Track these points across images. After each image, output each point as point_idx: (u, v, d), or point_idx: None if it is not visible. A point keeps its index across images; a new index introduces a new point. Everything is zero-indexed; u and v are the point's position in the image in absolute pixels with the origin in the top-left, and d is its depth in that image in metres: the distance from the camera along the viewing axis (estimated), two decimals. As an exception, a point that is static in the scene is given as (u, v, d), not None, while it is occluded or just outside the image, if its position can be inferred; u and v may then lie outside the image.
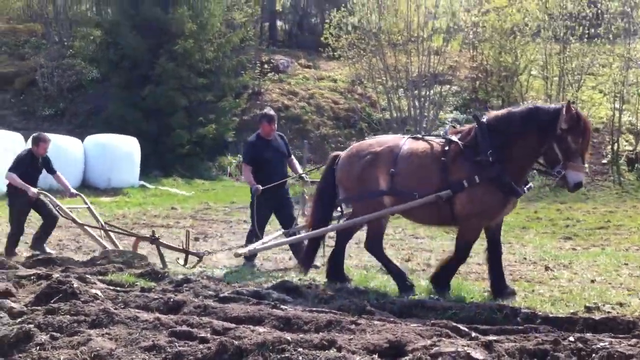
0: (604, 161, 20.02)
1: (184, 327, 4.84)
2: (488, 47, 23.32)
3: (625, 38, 22.53)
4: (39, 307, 5.34)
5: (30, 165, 8.89)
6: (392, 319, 5.39)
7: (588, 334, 4.76)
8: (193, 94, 21.09)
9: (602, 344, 4.43)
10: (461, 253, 6.51)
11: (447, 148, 6.33)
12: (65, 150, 16.36)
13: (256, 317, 5.25)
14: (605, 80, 22.19)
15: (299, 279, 6.98)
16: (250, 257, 7.97)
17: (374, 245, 6.86)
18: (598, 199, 16.75)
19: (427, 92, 21.71)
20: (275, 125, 8.58)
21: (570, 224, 12.05)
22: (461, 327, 5.00)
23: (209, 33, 22.01)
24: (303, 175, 8.63)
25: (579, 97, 20.97)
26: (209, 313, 5.40)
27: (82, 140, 17.63)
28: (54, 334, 4.63)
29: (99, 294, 5.80)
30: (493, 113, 6.50)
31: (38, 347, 4.38)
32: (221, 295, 6.09)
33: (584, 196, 16.89)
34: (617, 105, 21.24)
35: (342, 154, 7.04)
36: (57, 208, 8.66)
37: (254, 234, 7.95)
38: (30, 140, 9.24)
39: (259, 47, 27.58)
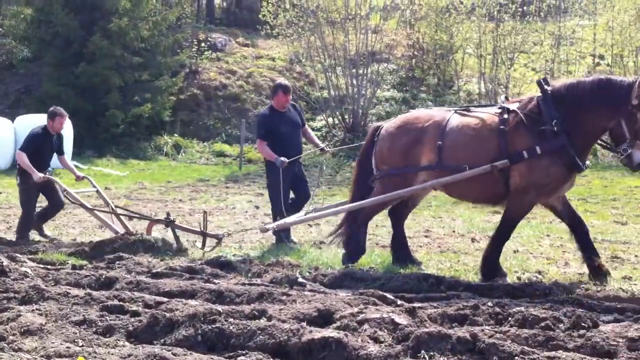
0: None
1: (115, 302, 4.89)
2: (424, 25, 23.65)
3: (556, 16, 23.23)
4: (-34, 286, 5.28)
5: (43, 142, 8.35)
6: (322, 290, 5.56)
7: (506, 300, 5.02)
8: (128, 72, 20.72)
9: (518, 308, 4.69)
10: (506, 231, 6.17)
11: (505, 117, 5.95)
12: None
13: (189, 291, 5.33)
14: (537, 58, 22.82)
15: (234, 255, 7.07)
16: (283, 233, 7.73)
17: (363, 217, 6.72)
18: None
19: (365, 71, 21.88)
20: (290, 95, 8.25)
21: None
22: (388, 295, 5.20)
23: (144, 11, 21.60)
24: (323, 146, 8.38)
25: (511, 74, 21.53)
26: (142, 288, 5.46)
27: (12, 121, 17.15)
28: (-18, 311, 4.61)
29: (29, 271, 5.77)
30: (559, 82, 6.16)
31: (-35, 325, 4.36)
32: (154, 271, 6.13)
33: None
34: (547, 83, 21.89)
35: (385, 125, 6.70)
36: (64, 192, 8.18)
37: (278, 211, 7.63)
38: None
39: (196, 25, 27.22)
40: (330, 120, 21.86)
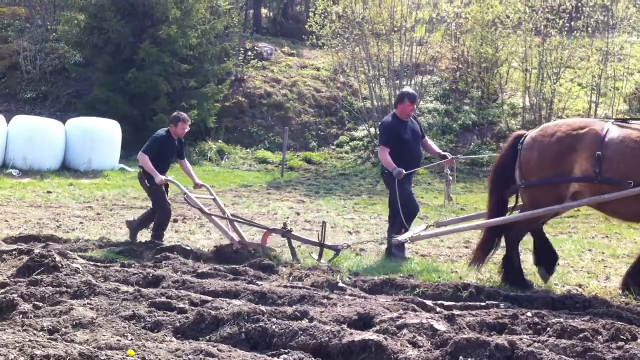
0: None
1: (163, 299, 5.07)
2: (469, 38, 23.58)
3: (604, 32, 22.93)
4: (22, 279, 5.52)
5: (166, 146, 8.41)
6: (362, 295, 5.66)
7: (545, 311, 5.05)
8: (176, 79, 21.14)
9: (556, 319, 4.72)
10: None
11: None
12: (47, 132, 16.54)
13: (232, 291, 5.49)
14: (583, 73, 22.57)
15: (274, 257, 7.21)
16: (395, 249, 7.50)
17: (517, 234, 6.33)
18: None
19: (409, 82, 21.94)
20: (416, 105, 8.03)
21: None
22: (427, 302, 5.28)
23: (193, 19, 22.02)
24: (446, 153, 7.93)
25: (556, 89, 21.34)
26: (187, 287, 5.63)
27: (64, 123, 17.68)
28: (37, 303, 4.83)
29: (80, 268, 6.00)
30: None
31: (21, 315, 4.57)
32: (199, 271, 6.31)
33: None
34: (594, 98, 21.63)
35: (530, 133, 6.29)
36: (185, 196, 8.09)
37: (398, 222, 7.41)
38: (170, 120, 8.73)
39: (243, 34, 27.64)
40: (372, 130, 21.96)
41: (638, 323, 4.87)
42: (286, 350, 4.15)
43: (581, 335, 4.36)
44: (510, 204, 6.50)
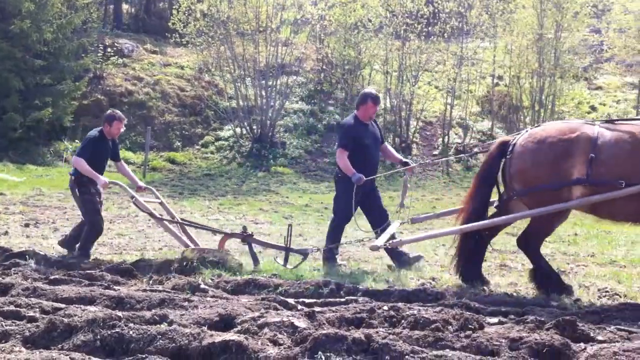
0: (435, 152, 21.49)
1: (12, 307, 4.77)
2: (333, 40, 24.13)
3: (459, 37, 24.27)
4: None
5: (99, 148, 7.66)
6: (224, 296, 5.62)
7: (400, 304, 5.26)
8: (29, 76, 20.03)
9: (411, 311, 4.93)
10: None
11: None
12: None
13: (87, 297, 5.26)
14: (439, 77, 23.75)
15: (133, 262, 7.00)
16: (330, 254, 7.28)
17: (534, 244, 6.18)
18: (427, 187, 17.97)
19: (274, 82, 22.09)
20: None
21: (398, 211, 12.79)
22: (289, 300, 5.33)
23: (49, 13, 20.94)
24: (407, 160, 7.70)
25: (415, 91, 22.30)
26: (39, 295, 5.33)
27: None
28: None
29: None
30: None
31: None
32: (52, 277, 6.01)
33: (415, 185, 18.09)
34: (449, 101, 22.81)
35: (518, 140, 6.14)
36: (133, 200, 7.47)
37: (338, 226, 7.31)
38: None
39: (103, 30, 26.61)
40: (238, 130, 21.89)
41: (485, 312, 5.19)
42: (144, 356, 4.03)
43: (433, 326, 4.57)
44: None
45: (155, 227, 9.96)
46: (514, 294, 5.97)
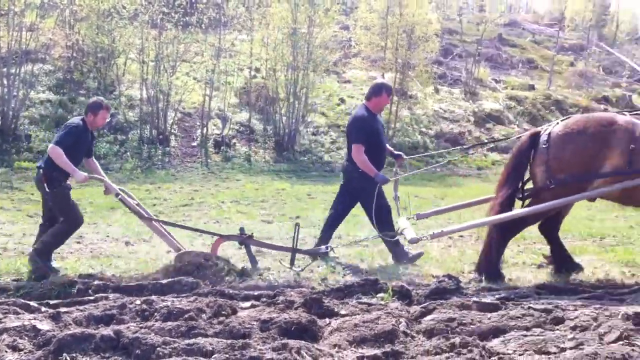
0: (194, 144, 21.40)
1: None
2: (85, 27, 22.83)
3: (217, 28, 24.37)
4: None
5: (81, 139, 6.64)
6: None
7: (154, 297, 5.17)
8: None
9: (164, 303, 4.87)
10: None
11: None
12: None
13: None
14: (198, 68, 23.63)
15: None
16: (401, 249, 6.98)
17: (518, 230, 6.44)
18: (186, 179, 17.83)
19: (17, 70, 20.31)
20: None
21: (157, 203, 12.59)
22: (31, 303, 4.98)
23: None
24: (399, 153, 7.45)
25: (173, 82, 21.97)
26: None
27: None
28: None
29: None
30: None
31: None
32: None
33: (173, 177, 17.90)
34: (208, 92, 22.83)
35: (554, 130, 6.20)
36: (119, 197, 6.53)
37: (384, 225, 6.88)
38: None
39: None
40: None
41: (238, 298, 5.31)
42: None
43: (186, 316, 4.58)
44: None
45: None
46: (268, 277, 6.16)
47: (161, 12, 21.94)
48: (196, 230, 7.43)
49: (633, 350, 3.75)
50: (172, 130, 21.60)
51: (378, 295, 5.49)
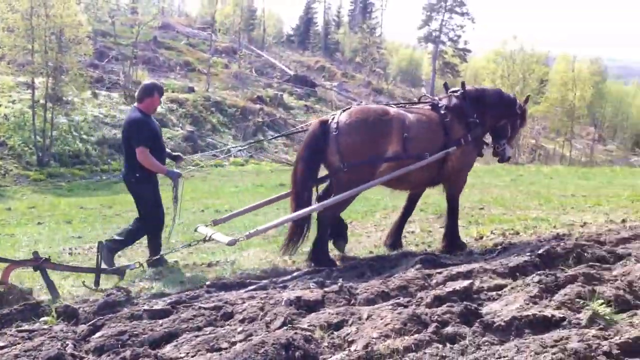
0: None
1: None
2: None
3: None
4: None
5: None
6: None
7: None
8: None
9: None
10: (455, 203, 7.49)
11: (443, 112, 7.22)
12: None
13: None
14: None
15: None
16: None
17: (332, 216, 6.87)
18: None
19: None
20: None
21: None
22: None
23: None
24: (178, 154, 7.49)
25: None
26: None
27: None
28: None
29: None
30: (468, 87, 7.62)
31: None
32: None
33: None
34: None
35: (341, 118, 6.74)
36: None
37: (156, 227, 6.99)
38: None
39: None
40: None
41: None
42: None
43: None
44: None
45: None
46: None
47: None
48: None
49: (296, 333, 3.99)
50: None
51: (41, 320, 5.02)
